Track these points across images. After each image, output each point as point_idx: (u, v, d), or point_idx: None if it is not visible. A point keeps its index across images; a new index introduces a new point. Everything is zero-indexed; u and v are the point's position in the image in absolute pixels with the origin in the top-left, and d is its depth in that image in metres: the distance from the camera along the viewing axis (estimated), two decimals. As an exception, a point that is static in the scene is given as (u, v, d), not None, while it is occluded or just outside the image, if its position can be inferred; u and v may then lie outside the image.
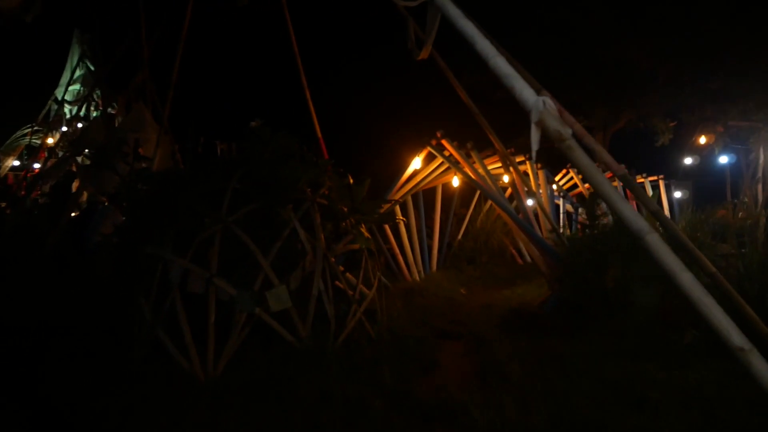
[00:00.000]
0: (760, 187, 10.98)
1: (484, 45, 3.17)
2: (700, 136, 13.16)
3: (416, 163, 9.03)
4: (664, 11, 10.78)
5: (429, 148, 8.73)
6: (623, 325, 6.55)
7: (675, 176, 14.48)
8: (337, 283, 5.79)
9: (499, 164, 10.06)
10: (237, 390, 4.51)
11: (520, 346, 6.10)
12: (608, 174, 14.00)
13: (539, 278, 13.01)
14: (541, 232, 8.54)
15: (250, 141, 6.09)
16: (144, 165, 9.01)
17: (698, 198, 14.06)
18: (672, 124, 13.61)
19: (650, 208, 4.75)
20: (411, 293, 9.17)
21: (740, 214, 7.56)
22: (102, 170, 9.53)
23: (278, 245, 5.21)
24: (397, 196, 9.43)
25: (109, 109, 13.55)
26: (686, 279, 2.64)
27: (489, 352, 6.01)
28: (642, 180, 14.34)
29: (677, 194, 14.32)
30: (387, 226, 10.22)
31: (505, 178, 9.73)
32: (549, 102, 2.73)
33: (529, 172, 9.53)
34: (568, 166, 13.36)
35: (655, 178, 14.52)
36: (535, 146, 2.65)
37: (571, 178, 13.48)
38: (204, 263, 5.00)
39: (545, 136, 2.74)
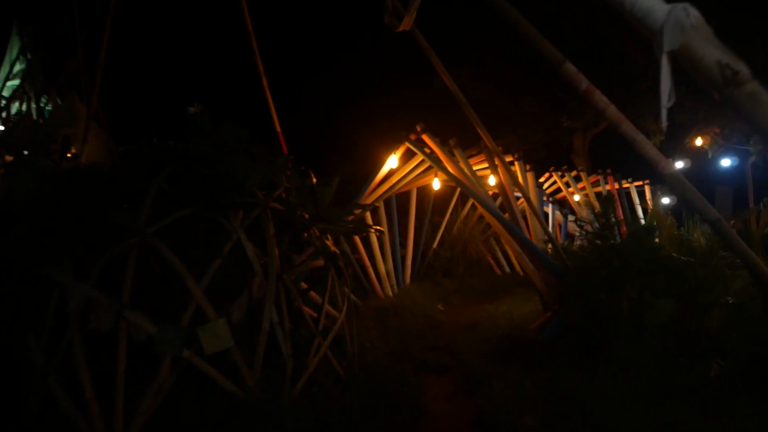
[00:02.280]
0: None
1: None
2: (694, 138, 12.36)
3: (392, 161, 7.85)
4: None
5: (407, 144, 7.55)
6: (640, 355, 5.50)
7: (661, 181, 13.68)
8: (297, 305, 4.55)
9: (485, 165, 8.95)
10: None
11: (523, 385, 4.96)
12: (609, 186, 13.20)
13: (521, 290, 11.99)
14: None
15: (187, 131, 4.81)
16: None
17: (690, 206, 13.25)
18: (664, 125, 12.76)
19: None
20: (384, 313, 7.96)
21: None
22: (23, 171, 8.11)
23: (216, 265, 3.94)
24: (370, 200, 8.23)
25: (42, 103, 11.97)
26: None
27: (486, 393, 4.85)
28: (628, 185, 13.51)
29: (665, 200, 13.51)
30: (356, 237, 9.00)
31: (491, 181, 8.64)
32: (696, 13, 1.56)
33: (518, 173, 8.46)
34: (551, 169, 12.40)
35: (641, 183, 13.71)
36: (665, 93, 1.51)
37: (554, 182, 12.51)
38: (114, 290, 3.70)
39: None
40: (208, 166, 4.31)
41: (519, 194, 9.38)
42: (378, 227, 5.07)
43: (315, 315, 4.93)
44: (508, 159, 8.66)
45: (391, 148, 7.75)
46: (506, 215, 7.55)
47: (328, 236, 5.19)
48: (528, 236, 7.32)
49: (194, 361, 3.72)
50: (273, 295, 4.10)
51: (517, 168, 8.72)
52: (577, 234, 11.09)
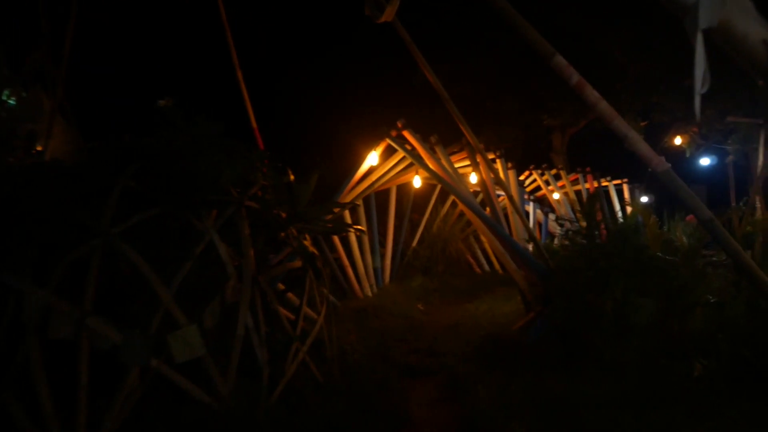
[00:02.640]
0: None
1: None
2: (673, 136, 12.39)
3: (373, 158, 7.64)
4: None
5: (388, 141, 7.35)
6: (624, 356, 5.42)
7: (639, 180, 13.72)
8: (273, 308, 4.33)
9: (466, 162, 8.81)
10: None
11: (508, 389, 4.81)
12: (588, 185, 13.17)
13: (501, 289, 11.91)
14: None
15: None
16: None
17: (668, 204, 13.32)
18: (643, 124, 12.79)
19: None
20: (364, 314, 7.77)
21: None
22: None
23: (187, 268, 3.70)
24: (349, 198, 8.02)
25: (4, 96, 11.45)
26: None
27: (471, 398, 4.69)
28: (606, 183, 13.52)
29: (643, 199, 13.54)
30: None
31: (473, 178, 8.49)
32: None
33: (500, 171, 8.33)
34: (531, 167, 12.33)
35: (619, 182, 13.73)
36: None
37: (534, 181, 12.45)
38: (75, 296, 3.43)
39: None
40: (178, 162, 4.05)
41: (500, 192, 9.29)
42: (358, 227, 4.86)
43: (293, 317, 4.72)
44: (490, 156, 8.52)
45: (371, 145, 7.54)
46: (487, 212, 7.43)
47: (306, 236, 4.97)
48: (510, 235, 7.19)
49: (164, 370, 3.48)
50: (248, 298, 3.88)
51: (498, 166, 8.59)
52: (558, 233, 11.04)
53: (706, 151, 12.58)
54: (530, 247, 7.04)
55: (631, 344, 5.56)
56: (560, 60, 3.68)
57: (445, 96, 6.27)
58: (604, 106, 3.70)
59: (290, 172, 4.57)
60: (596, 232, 5.52)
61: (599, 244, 5.44)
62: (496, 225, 6.64)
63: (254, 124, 7.98)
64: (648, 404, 4.51)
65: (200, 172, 4.08)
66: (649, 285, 5.72)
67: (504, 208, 8.53)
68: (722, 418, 4.25)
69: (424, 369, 5.65)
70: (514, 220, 8.21)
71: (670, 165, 3.56)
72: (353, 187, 8.12)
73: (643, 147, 3.63)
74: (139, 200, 3.96)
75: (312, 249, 4.55)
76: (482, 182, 7.62)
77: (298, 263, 4.57)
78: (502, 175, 8.18)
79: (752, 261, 3.54)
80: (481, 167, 7.53)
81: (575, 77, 3.72)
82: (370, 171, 8.14)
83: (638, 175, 14.19)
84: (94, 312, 3.37)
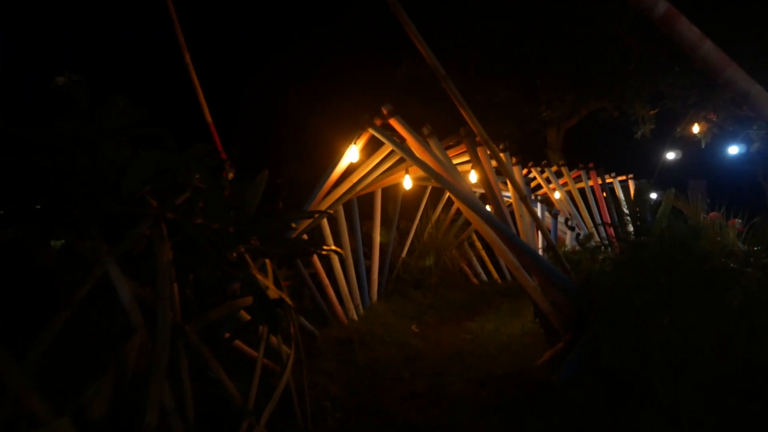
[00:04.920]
0: None
1: None
2: (689, 125, 11.17)
3: (352, 154, 6.24)
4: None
5: (371, 131, 5.97)
6: (691, 403, 4.13)
7: (644, 175, 12.52)
8: (214, 372, 2.94)
9: (464, 158, 7.48)
10: None
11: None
12: (592, 181, 11.95)
13: (503, 302, 10.57)
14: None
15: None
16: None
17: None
18: (653, 112, 11.58)
19: None
20: (349, 345, 6.37)
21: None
22: None
23: (59, 323, 2.29)
24: (326, 204, 6.63)
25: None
26: None
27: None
28: (611, 180, 12.29)
29: (653, 196, 12.33)
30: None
31: (473, 177, 7.15)
32: None
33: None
34: (530, 164, 11.03)
35: (624, 177, 12.51)
36: None
37: (534, 178, 11.14)
38: None
39: None
40: (53, 156, 2.66)
41: (505, 193, 7.95)
42: (332, 248, 3.51)
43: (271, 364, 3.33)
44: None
45: (350, 138, 6.15)
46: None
47: (267, 261, 3.59)
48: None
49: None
50: (164, 364, 2.48)
51: (503, 159, 7.26)
52: (565, 236, 9.75)
53: (728, 139, 11.38)
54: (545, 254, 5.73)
55: (695, 381, 4.29)
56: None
57: (442, 74, 4.95)
58: (709, 48, 2.37)
59: (230, 168, 3.18)
60: (649, 241, 4.21)
61: (655, 255, 4.13)
62: (509, 231, 5.30)
63: (208, 118, 6.58)
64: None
65: (90, 170, 2.69)
66: (713, 303, 4.45)
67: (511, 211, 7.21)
68: None
69: (431, 427, 4.27)
70: (522, 224, 6.90)
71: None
72: (330, 191, 6.72)
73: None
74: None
75: (268, 283, 3.15)
76: (485, 180, 6.29)
77: (247, 300, 3.18)
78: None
79: None
80: (483, 163, 6.20)
81: (662, 5, 2.38)
82: (351, 170, 6.75)
83: (641, 170, 13.01)
84: None
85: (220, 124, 6.89)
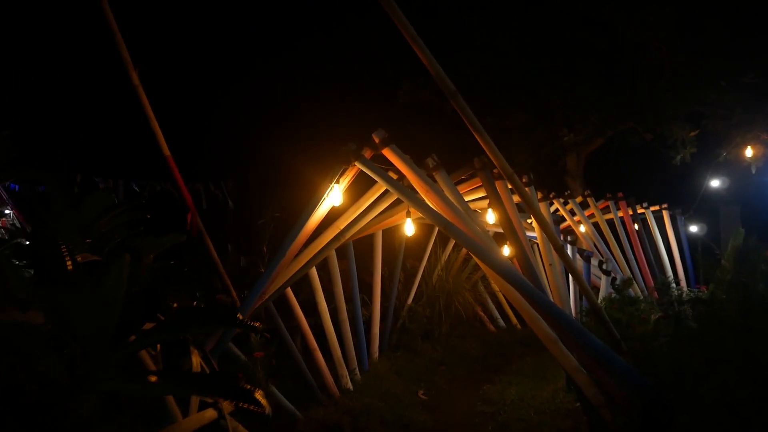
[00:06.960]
0: None
1: None
2: (740, 147, 9.78)
3: (335, 195, 4.85)
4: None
5: (358, 165, 4.67)
6: None
7: (679, 204, 11.16)
8: None
9: (481, 194, 6.21)
10: None
11: None
12: (622, 212, 10.62)
13: (525, 355, 9.20)
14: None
15: None
16: None
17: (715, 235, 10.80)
18: (693, 133, 10.23)
19: None
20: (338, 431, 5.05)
21: None
22: None
23: None
24: (310, 253, 5.35)
25: None
26: None
27: None
28: (643, 210, 10.95)
29: (692, 229, 10.98)
30: (292, 296, 6.12)
31: (490, 218, 5.84)
32: None
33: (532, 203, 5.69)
34: (551, 195, 9.74)
35: (657, 207, 11.15)
36: None
37: (557, 210, 9.85)
38: None
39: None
40: None
41: (531, 233, 6.64)
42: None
43: None
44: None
45: (330, 175, 4.80)
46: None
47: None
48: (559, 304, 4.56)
49: None
50: None
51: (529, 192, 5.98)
52: (600, 281, 8.38)
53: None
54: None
55: None
56: None
57: (451, 89, 3.74)
58: None
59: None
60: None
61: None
62: (546, 301, 4.00)
63: (166, 151, 5.39)
64: None
65: None
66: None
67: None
68: None
69: None
70: (553, 274, 5.59)
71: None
72: (315, 236, 5.46)
73: None
74: None
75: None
76: (506, 221, 5.02)
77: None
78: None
79: None
80: (504, 201, 4.94)
81: None
82: (341, 211, 5.48)
83: (674, 199, 11.64)
84: None
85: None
